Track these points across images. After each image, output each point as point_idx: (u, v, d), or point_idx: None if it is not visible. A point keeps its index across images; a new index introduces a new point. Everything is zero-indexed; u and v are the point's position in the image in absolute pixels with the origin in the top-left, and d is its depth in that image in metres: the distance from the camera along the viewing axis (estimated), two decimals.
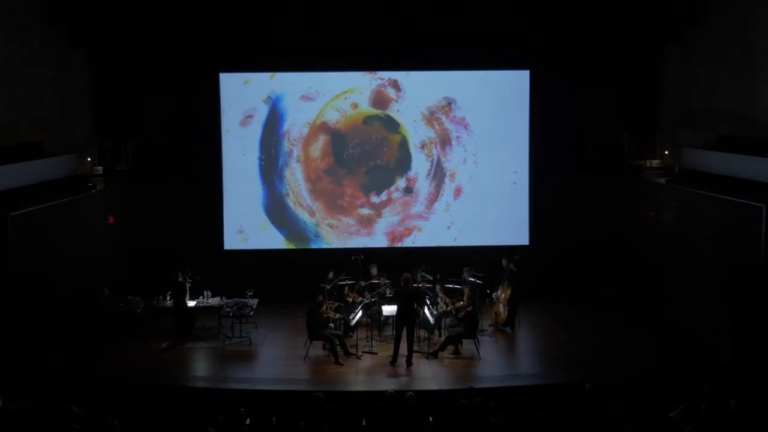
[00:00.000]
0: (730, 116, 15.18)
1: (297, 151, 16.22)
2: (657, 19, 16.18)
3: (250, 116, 16.12)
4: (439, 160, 16.31)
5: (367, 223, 16.34)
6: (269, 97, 16.04)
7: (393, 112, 16.18)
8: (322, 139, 16.22)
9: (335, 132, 16.22)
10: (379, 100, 16.17)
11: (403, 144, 16.27)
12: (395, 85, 16.15)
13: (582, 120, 16.97)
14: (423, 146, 16.26)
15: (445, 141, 16.26)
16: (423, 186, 16.33)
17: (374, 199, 16.32)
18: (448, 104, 16.16)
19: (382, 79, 16.11)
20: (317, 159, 16.26)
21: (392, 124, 16.22)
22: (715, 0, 15.51)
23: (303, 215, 16.33)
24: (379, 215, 16.30)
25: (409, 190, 16.30)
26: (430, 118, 16.21)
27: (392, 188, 16.31)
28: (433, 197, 16.34)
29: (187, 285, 14.06)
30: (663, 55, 16.83)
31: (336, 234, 16.35)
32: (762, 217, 12.27)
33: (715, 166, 14.54)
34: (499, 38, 16.09)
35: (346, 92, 16.13)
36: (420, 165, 16.30)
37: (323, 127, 16.20)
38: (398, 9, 15.93)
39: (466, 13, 16.09)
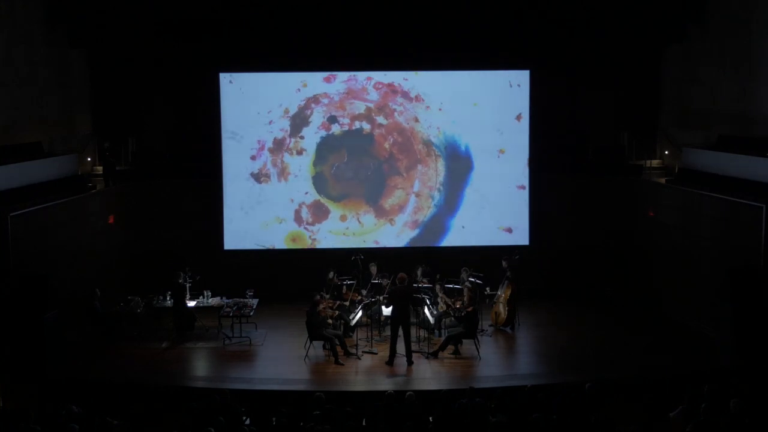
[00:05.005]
0: (730, 116, 15.19)
1: (298, 151, 16.23)
2: (657, 19, 16.18)
3: (250, 116, 16.13)
4: (439, 159, 16.31)
5: (370, 226, 16.37)
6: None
7: (393, 112, 16.18)
8: (323, 140, 16.22)
9: (337, 133, 16.21)
10: (380, 100, 16.17)
11: (403, 144, 16.26)
12: (396, 85, 16.15)
13: (582, 120, 16.97)
14: (422, 145, 16.27)
15: (444, 140, 16.26)
16: (423, 186, 16.33)
17: (376, 201, 16.34)
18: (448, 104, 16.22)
19: (383, 80, 16.12)
20: (319, 160, 16.26)
21: (392, 125, 16.22)
22: (715, 0, 15.52)
23: (304, 215, 16.34)
24: (381, 219, 16.33)
25: (410, 190, 16.32)
26: (430, 117, 16.21)
27: (393, 190, 16.33)
28: (433, 197, 16.36)
29: (187, 285, 14.06)
30: (663, 55, 16.83)
31: (337, 235, 16.35)
32: (762, 217, 12.30)
33: (715, 166, 14.55)
34: (499, 38, 16.09)
35: (346, 92, 16.14)
36: (420, 165, 16.30)
37: (325, 128, 16.19)
38: (398, 9, 15.94)
39: (466, 13, 16.10)
